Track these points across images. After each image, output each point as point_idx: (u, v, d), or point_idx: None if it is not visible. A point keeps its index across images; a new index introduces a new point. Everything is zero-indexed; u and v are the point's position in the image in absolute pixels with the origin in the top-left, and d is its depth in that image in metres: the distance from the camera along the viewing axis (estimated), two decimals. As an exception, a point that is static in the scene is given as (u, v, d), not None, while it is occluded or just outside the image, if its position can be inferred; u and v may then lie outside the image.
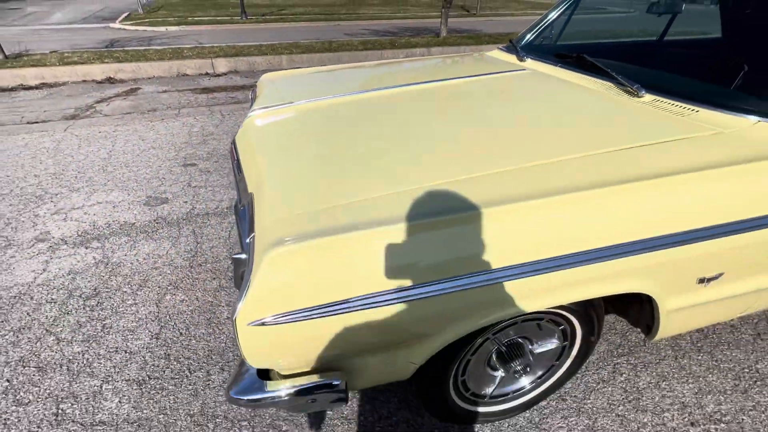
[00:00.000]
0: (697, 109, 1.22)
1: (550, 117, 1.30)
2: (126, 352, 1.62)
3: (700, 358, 1.59)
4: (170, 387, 1.48)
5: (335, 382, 0.89)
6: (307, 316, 0.78)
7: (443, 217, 0.85)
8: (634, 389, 1.47)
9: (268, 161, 1.19)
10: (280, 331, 0.78)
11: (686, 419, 1.37)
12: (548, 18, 2.07)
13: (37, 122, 4.22)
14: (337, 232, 0.81)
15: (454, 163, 1.06)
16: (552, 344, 1.25)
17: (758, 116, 1.15)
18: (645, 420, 1.37)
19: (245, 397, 0.88)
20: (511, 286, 0.88)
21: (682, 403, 1.42)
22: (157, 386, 1.48)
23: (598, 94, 1.43)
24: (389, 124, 1.34)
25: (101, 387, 1.47)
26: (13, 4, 20.27)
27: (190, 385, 1.49)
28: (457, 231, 0.84)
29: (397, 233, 0.82)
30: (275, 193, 1.00)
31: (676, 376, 1.52)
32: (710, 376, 1.52)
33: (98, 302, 1.86)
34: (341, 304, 0.79)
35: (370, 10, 19.97)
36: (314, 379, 0.89)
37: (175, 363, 1.57)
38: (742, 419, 1.37)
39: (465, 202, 0.89)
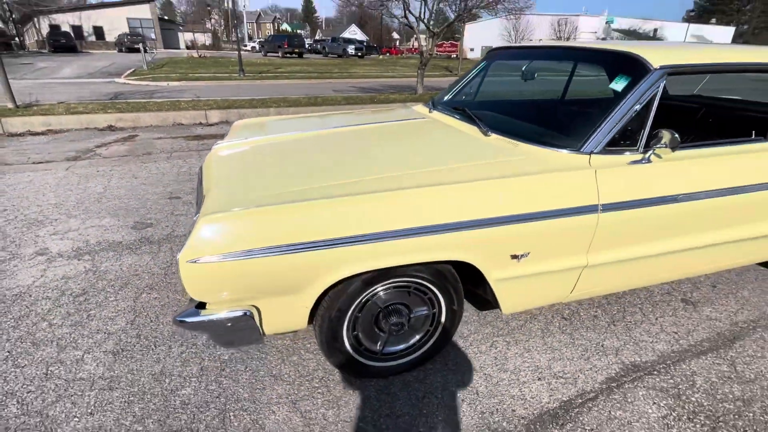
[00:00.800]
0: (517, 143, 1.78)
1: (425, 147, 1.85)
2: (105, 332, 2.03)
3: (561, 337, 2.03)
4: (138, 356, 1.88)
5: (244, 313, 1.34)
6: (223, 259, 1.25)
7: (315, 200, 1.35)
8: (503, 358, 1.90)
9: (220, 175, 1.71)
10: (207, 269, 1.25)
11: (536, 376, 1.79)
12: (459, 83, 2.72)
13: (42, 162, 4.77)
14: (246, 207, 1.30)
15: (344, 172, 1.58)
16: (423, 311, 1.70)
17: (552, 147, 1.71)
18: (504, 377, 1.78)
19: (180, 319, 1.32)
20: (363, 248, 1.36)
21: (537, 366, 1.85)
22: (128, 356, 1.88)
23: (463, 134, 2.00)
24: (315, 152, 1.88)
25: (83, 356, 1.87)
26: (25, 60, 21.80)
27: (154, 355, 1.89)
28: (324, 211, 1.34)
29: (284, 211, 1.32)
30: (219, 192, 1.51)
31: (538, 349, 1.95)
32: (565, 349, 1.96)
33: (85, 299, 2.28)
34: (246, 253, 1.26)
35: (360, 70, 21.57)
36: (232, 308, 1.34)
37: (144, 340, 1.98)
38: (576, 376, 1.79)
39: (341, 191, 1.40)
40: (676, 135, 1.66)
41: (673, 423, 1.58)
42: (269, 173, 1.66)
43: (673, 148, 1.69)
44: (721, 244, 1.93)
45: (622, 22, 39.88)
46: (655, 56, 1.75)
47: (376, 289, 1.56)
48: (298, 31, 69.96)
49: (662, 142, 1.68)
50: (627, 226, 1.69)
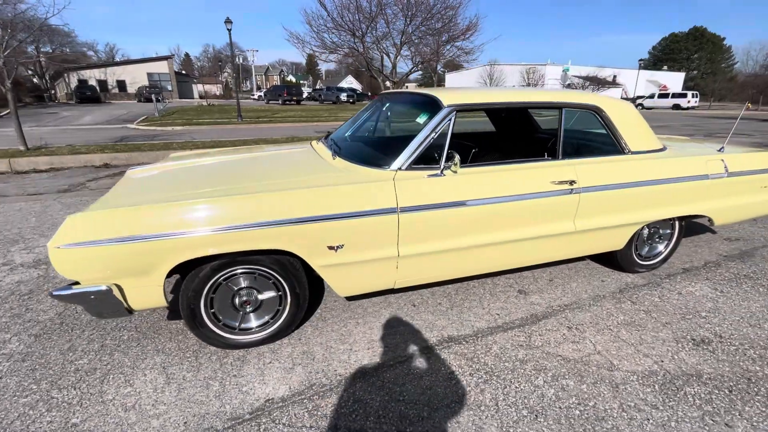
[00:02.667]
0: (349, 164, 2.14)
1: (285, 167, 2.21)
2: (35, 321, 2.30)
3: (405, 319, 2.31)
4: (55, 338, 2.15)
5: (105, 288, 1.64)
6: (78, 246, 1.56)
7: (149, 204, 1.68)
8: (348, 334, 2.17)
9: (117, 191, 2.04)
10: (67, 253, 1.56)
11: (367, 346, 2.06)
12: (351, 121, 3.12)
13: (35, 194, 5.13)
14: (101, 209, 1.64)
15: (212, 185, 1.92)
16: (271, 293, 2.00)
17: (371, 166, 2.06)
18: (341, 348, 2.05)
19: (56, 293, 1.62)
20: (191, 239, 1.68)
21: (372, 339, 2.12)
22: (47, 338, 2.15)
23: (320, 158, 2.36)
24: (202, 173, 2.23)
25: (10, 338, 2.14)
26: (52, 109, 22.74)
27: (68, 336, 2.16)
28: (158, 212, 1.67)
29: (126, 212, 1.64)
30: (101, 201, 1.84)
31: (379, 328, 2.22)
32: (402, 327, 2.22)
33: (29, 297, 2.56)
34: (94, 242, 1.58)
35: (348, 114, 22.41)
36: (96, 284, 1.64)
37: (65, 327, 2.25)
38: (398, 346, 2.06)
39: (197, 194, 1.73)
40: (458, 157, 2.02)
41: (459, 377, 1.84)
42: (153, 188, 2.00)
43: (460, 166, 2.05)
44: (516, 242, 2.25)
45: (581, 70, 41.69)
46: (446, 97, 2.14)
47: (225, 273, 1.87)
48: (302, 82, 72.63)
49: (454, 161, 2.03)
50: (428, 224, 2.01)
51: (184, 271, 1.85)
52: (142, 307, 1.80)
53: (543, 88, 2.86)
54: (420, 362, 1.94)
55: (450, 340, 2.11)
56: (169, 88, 36.37)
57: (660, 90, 39.50)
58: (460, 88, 2.46)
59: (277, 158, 2.54)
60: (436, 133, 2.09)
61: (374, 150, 2.40)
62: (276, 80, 75.85)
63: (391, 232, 1.96)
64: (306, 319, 2.30)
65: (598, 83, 40.05)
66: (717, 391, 1.76)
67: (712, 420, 1.61)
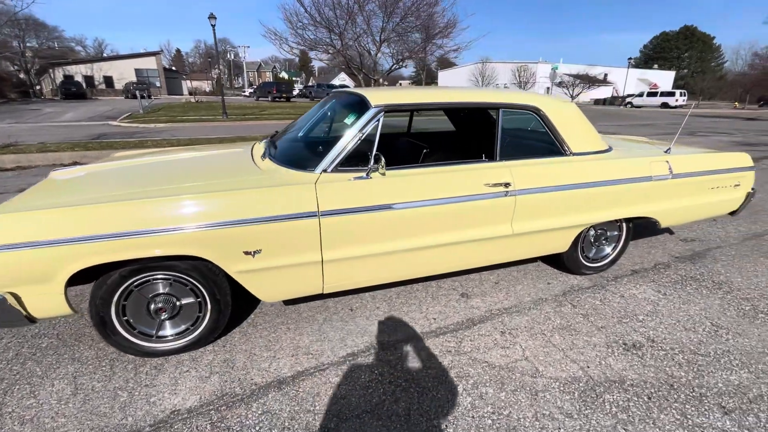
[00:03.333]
0: (277, 166, 2.07)
1: (212, 168, 2.14)
2: (-46, 328, 2.21)
3: (337, 324, 2.25)
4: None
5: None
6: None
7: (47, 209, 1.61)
8: (275, 341, 2.10)
9: (26, 195, 1.96)
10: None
11: (291, 353, 2.00)
12: (295, 121, 3.04)
13: (-7, 193, 5.00)
14: (10, 213, 1.56)
15: (135, 186, 1.84)
16: (190, 299, 1.93)
17: (297, 168, 2.00)
18: (265, 355, 1.99)
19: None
20: (105, 244, 1.61)
21: (298, 346, 2.06)
22: (-38, 345, 2.07)
23: (249, 159, 2.29)
24: (129, 175, 2.15)
25: (-77, 346, 2.06)
26: (34, 106, 22.30)
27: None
28: (58, 216, 1.59)
29: (21, 216, 1.57)
30: (3, 205, 1.76)
31: (309, 333, 2.17)
32: (332, 333, 2.17)
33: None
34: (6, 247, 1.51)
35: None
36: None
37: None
38: (323, 353, 2.01)
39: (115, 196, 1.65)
40: (384, 159, 1.96)
41: (378, 385, 1.79)
42: (64, 191, 1.92)
43: (387, 168, 1.99)
44: (449, 245, 2.20)
45: (572, 68, 41.81)
46: (374, 97, 2.08)
47: (138, 280, 1.80)
48: (294, 79, 72.07)
49: (381, 163, 1.98)
50: (353, 228, 1.96)
51: (95, 276, 1.78)
52: (44, 315, 1.73)
53: (487, 88, 2.82)
54: (341, 370, 1.89)
55: (378, 347, 2.06)
56: (158, 84, 35.88)
57: (650, 88, 39.74)
58: (392, 88, 2.40)
59: (208, 160, 2.47)
60: (363, 133, 2.03)
61: (305, 151, 2.34)
62: (268, 77, 75.18)
63: (312, 236, 1.90)
64: (237, 324, 2.24)
65: (588, 81, 40.21)
66: (636, 399, 1.73)
67: (624, 429, 1.58)
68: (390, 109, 2.08)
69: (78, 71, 32.88)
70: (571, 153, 2.46)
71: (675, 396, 1.74)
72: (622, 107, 34.45)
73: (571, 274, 2.84)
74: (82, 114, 18.18)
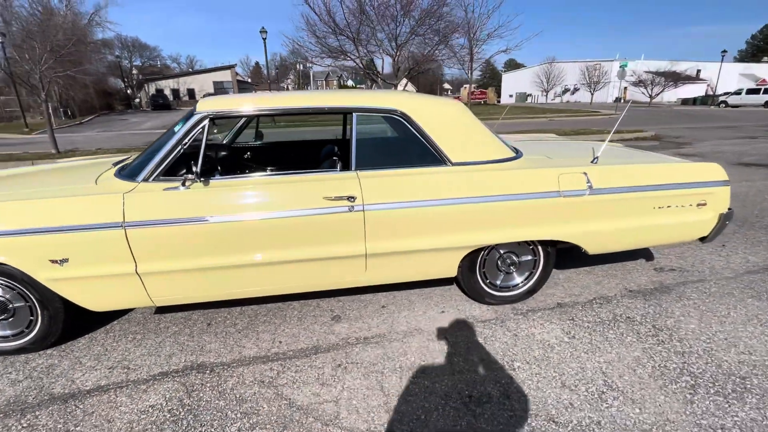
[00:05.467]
0: (113, 176, 2.03)
1: (61, 178, 2.18)
2: None
3: (169, 337, 2.15)
4: None
5: None
6: None
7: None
8: (111, 349, 2.07)
9: None
10: None
11: (111, 367, 1.95)
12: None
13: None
14: None
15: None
16: (21, 303, 1.96)
17: (122, 178, 1.94)
18: (89, 364, 1.96)
19: None
20: None
21: (125, 359, 2.00)
22: None
23: (97, 170, 2.25)
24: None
25: None
26: (123, 116, 25.73)
27: None
28: None
29: None
30: None
31: (150, 344, 2.10)
32: (163, 348, 2.08)
33: None
34: None
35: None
36: None
37: None
38: (144, 367, 1.92)
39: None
40: (196, 169, 1.83)
41: (154, 411, 1.65)
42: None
43: (216, 178, 1.87)
44: (287, 263, 1.98)
45: (652, 65, 37.33)
46: (201, 104, 1.95)
47: (-36, 282, 1.88)
48: (359, 86, 74.17)
49: (195, 172, 1.85)
50: (165, 241, 1.85)
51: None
52: None
53: (348, 90, 2.57)
54: (136, 390, 1.78)
55: (195, 368, 1.92)
56: (231, 94, 39.25)
57: (757, 84, 33.93)
58: (230, 95, 2.23)
59: (66, 169, 2.50)
60: (186, 142, 1.91)
61: (145, 160, 2.25)
62: (335, 85, 78.28)
63: (120, 247, 1.83)
64: (96, 329, 2.25)
65: (673, 79, 35.53)
66: (423, 471, 1.37)
67: None
68: (218, 116, 1.94)
69: (167, 85, 37.26)
70: (450, 163, 2.09)
71: (475, 475, 1.36)
72: (713, 107, 29.91)
73: (475, 301, 2.43)
74: (159, 123, 20.47)
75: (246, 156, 3.35)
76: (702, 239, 2.38)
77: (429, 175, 2.05)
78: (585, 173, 2.13)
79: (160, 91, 35.88)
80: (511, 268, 2.35)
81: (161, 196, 1.85)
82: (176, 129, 1.99)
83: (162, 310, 2.45)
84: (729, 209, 2.32)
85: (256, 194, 1.92)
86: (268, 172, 2.02)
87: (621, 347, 1.99)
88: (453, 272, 2.23)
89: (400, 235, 2.03)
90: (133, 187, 1.87)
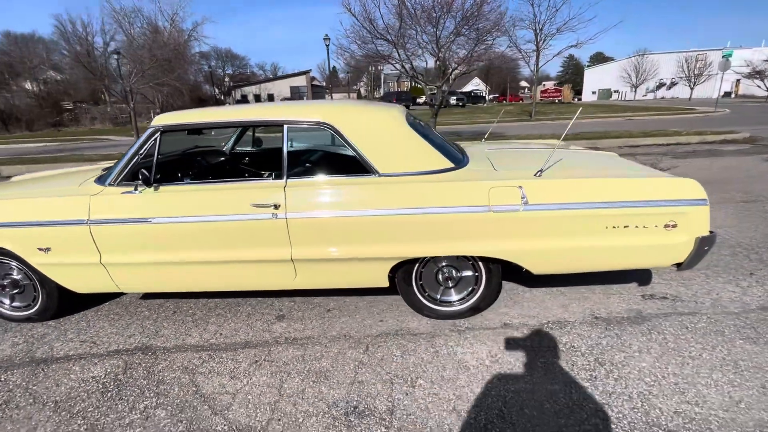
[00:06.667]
0: (92, 182, 2.39)
1: (56, 181, 2.62)
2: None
3: (134, 322, 2.46)
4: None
5: None
6: None
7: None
8: (86, 328, 2.44)
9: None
10: None
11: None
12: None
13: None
14: None
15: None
16: (27, 281, 2.42)
17: (99, 183, 2.29)
18: (70, 336, 2.35)
19: None
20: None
21: (96, 342, 2.35)
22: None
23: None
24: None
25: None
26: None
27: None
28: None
29: None
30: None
31: (110, 330, 2.43)
32: (119, 335, 2.39)
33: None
34: None
35: (444, 119, 22.08)
36: None
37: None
38: (107, 343, 2.24)
39: None
40: (149, 176, 2.09)
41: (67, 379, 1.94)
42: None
43: (167, 184, 2.13)
44: (221, 263, 2.16)
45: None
46: (157, 118, 2.21)
47: (-12, 262, 2.38)
48: (429, 87, 73.66)
49: (141, 179, 2.12)
50: (118, 237, 2.15)
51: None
52: None
53: (281, 103, 2.64)
54: (89, 362, 2.09)
55: (142, 349, 2.19)
56: (305, 98, 41.80)
57: None
58: (179, 112, 2.41)
59: (74, 173, 2.93)
60: (142, 151, 2.19)
61: (112, 167, 2.55)
62: (406, 86, 78.93)
63: (86, 240, 2.16)
64: (90, 307, 2.67)
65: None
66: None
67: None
68: (168, 129, 2.19)
69: (250, 91, 41.03)
70: (378, 173, 2.09)
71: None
72: None
73: (419, 315, 2.38)
74: (237, 125, 22.55)
75: (244, 161, 3.65)
76: (677, 266, 2.05)
77: (355, 185, 2.08)
78: (520, 187, 1.98)
79: (244, 97, 39.62)
80: (448, 282, 2.27)
81: (118, 199, 2.15)
82: (136, 141, 2.28)
83: (147, 296, 2.81)
84: (711, 232, 1.97)
85: (195, 199, 2.13)
86: (211, 180, 2.22)
87: (542, 378, 1.82)
88: (384, 282, 2.22)
89: (324, 243, 2.09)
90: (99, 191, 2.21)
